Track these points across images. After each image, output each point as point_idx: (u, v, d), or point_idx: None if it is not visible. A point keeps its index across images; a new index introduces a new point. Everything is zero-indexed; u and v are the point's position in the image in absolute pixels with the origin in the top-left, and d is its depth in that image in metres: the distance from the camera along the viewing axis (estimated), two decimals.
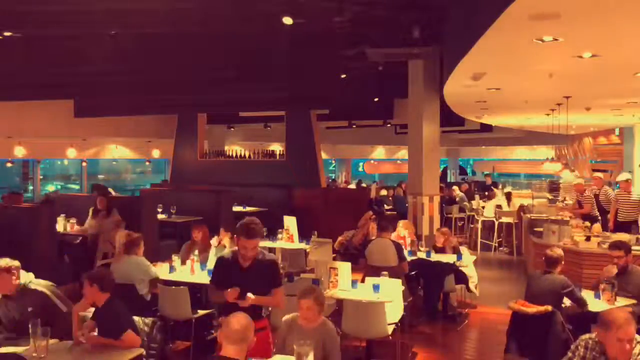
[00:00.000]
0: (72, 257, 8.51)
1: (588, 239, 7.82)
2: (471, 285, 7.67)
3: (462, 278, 7.43)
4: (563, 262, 5.42)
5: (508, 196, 13.16)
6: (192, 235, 7.22)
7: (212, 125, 16.37)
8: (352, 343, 6.11)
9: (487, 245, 12.34)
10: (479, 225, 12.46)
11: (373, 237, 9.57)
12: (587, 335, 3.51)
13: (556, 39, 4.65)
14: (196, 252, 6.79)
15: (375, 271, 6.98)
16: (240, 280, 3.96)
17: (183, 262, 6.89)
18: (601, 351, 3.33)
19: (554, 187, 15.43)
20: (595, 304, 5.32)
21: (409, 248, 7.89)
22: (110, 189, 12.58)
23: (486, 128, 16.94)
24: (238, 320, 3.12)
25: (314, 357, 3.55)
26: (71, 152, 15.38)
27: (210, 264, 6.59)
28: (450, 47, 7.17)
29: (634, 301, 5.47)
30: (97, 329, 4.10)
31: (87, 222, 9.05)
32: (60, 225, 9.12)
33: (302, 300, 4.06)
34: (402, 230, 8.29)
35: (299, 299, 4.09)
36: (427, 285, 7.44)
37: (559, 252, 5.46)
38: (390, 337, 5.48)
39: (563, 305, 5.25)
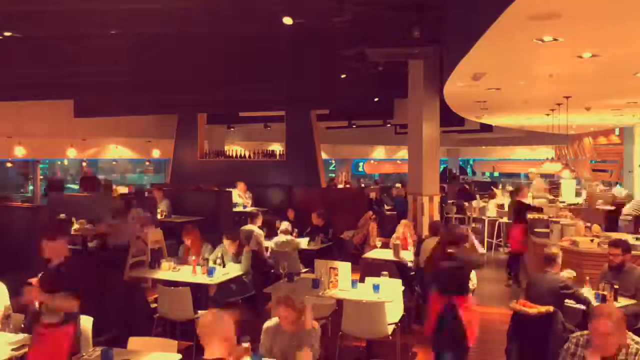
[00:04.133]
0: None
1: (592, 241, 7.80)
2: (470, 288, 7.67)
3: None
4: (560, 260, 5.41)
5: (511, 195, 13.10)
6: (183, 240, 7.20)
7: (212, 125, 16.38)
8: (352, 343, 6.11)
9: (486, 245, 12.35)
10: (476, 225, 12.48)
11: (372, 237, 9.61)
12: (578, 333, 3.57)
13: (556, 39, 4.65)
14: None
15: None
16: None
17: (182, 264, 6.90)
18: (589, 346, 3.40)
19: (553, 187, 15.43)
20: (595, 304, 5.33)
21: (410, 249, 7.89)
22: (118, 187, 12.61)
23: (486, 128, 16.94)
24: (204, 317, 3.14)
25: None
26: (71, 152, 15.38)
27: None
28: (450, 47, 7.17)
29: (633, 301, 5.48)
30: None
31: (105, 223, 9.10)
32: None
33: (277, 310, 4.03)
34: (402, 230, 8.28)
35: (273, 309, 4.09)
36: (428, 296, 7.21)
37: (555, 250, 5.46)
38: (390, 337, 5.48)
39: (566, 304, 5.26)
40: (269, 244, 8.58)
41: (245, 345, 3.64)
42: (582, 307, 5.31)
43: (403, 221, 8.59)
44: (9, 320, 4.45)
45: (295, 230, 9.22)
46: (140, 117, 15.37)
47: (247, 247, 7.00)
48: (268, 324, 4.15)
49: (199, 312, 5.93)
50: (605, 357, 3.29)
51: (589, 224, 8.92)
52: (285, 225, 8.78)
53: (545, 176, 16.29)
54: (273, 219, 9.98)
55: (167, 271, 6.62)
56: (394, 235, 8.31)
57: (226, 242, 6.91)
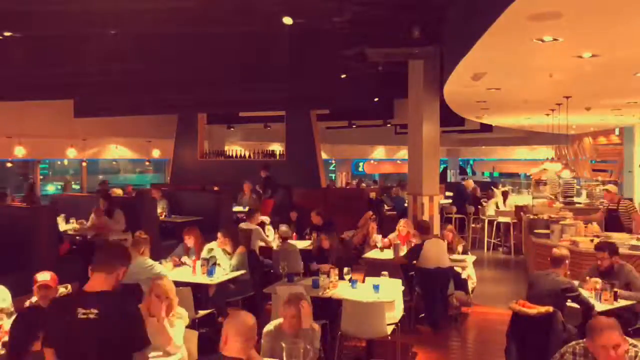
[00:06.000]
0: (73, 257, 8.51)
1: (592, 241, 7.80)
2: (470, 287, 7.69)
3: (461, 284, 7.42)
4: (568, 261, 5.43)
5: (504, 195, 13.15)
6: (184, 240, 7.18)
7: (212, 125, 16.39)
8: (352, 343, 6.11)
9: (486, 245, 12.36)
10: (479, 225, 12.48)
11: (372, 237, 9.59)
12: (574, 342, 3.52)
13: (556, 39, 4.65)
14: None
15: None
16: None
17: (178, 265, 6.90)
18: (592, 358, 3.33)
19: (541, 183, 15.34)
20: (595, 304, 5.34)
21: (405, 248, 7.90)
22: (115, 189, 12.61)
23: (486, 128, 16.93)
24: (234, 316, 3.09)
25: None
26: (71, 152, 15.38)
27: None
28: (450, 47, 7.17)
29: (633, 301, 5.49)
30: None
31: (89, 223, 9.08)
32: (61, 225, 9.17)
33: (291, 309, 4.04)
34: (404, 229, 8.29)
35: (283, 306, 4.08)
36: (428, 296, 7.13)
37: (564, 251, 5.47)
38: (390, 337, 5.48)
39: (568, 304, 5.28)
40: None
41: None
42: (592, 315, 5.32)
43: (402, 220, 8.61)
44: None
45: (294, 233, 9.22)
46: (140, 117, 15.36)
47: (242, 247, 6.98)
48: (268, 327, 4.15)
49: (198, 309, 5.94)
50: None
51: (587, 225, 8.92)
52: (284, 228, 8.80)
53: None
54: (277, 219, 9.99)
55: (169, 271, 6.62)
56: (392, 235, 8.32)
57: (219, 235, 6.92)
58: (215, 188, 12.75)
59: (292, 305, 4.05)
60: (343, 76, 11.68)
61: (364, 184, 19.66)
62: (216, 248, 6.89)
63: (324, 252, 7.20)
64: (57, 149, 15.47)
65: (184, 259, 6.89)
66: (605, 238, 7.65)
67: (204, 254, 6.84)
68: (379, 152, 25.76)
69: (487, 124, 15.90)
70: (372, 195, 13.76)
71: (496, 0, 3.96)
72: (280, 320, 4.17)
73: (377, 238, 8.48)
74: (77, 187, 17.98)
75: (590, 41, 4.90)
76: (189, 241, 7.05)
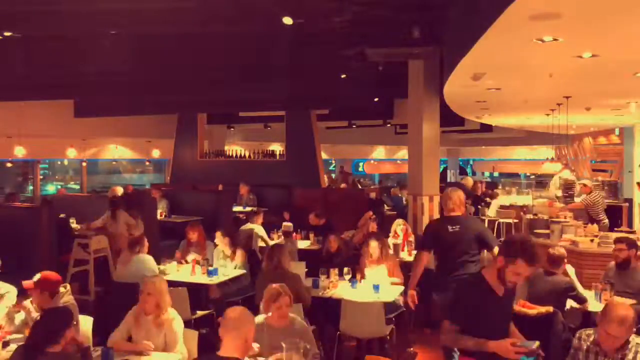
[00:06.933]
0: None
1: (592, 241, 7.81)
2: None
3: None
4: (566, 261, 5.44)
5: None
6: (187, 236, 7.20)
7: (212, 125, 16.39)
8: (352, 343, 6.10)
9: None
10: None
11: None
12: (581, 331, 3.64)
13: (556, 39, 4.65)
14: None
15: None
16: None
17: (179, 262, 6.90)
18: (596, 342, 3.44)
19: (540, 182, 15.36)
20: (595, 304, 5.35)
21: (406, 249, 7.89)
22: (118, 187, 12.61)
23: (486, 128, 16.93)
24: (233, 310, 3.13)
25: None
26: (71, 152, 15.40)
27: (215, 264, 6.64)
28: (450, 47, 7.17)
29: (633, 301, 5.49)
30: None
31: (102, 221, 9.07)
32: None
33: (280, 301, 4.17)
34: (399, 230, 8.26)
35: (273, 301, 4.19)
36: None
37: (561, 251, 5.47)
38: (389, 337, 5.48)
39: (567, 309, 5.28)
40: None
41: (255, 347, 3.71)
42: (584, 308, 5.34)
43: (397, 221, 8.58)
44: (13, 319, 4.46)
45: (299, 230, 9.22)
46: (140, 117, 15.37)
47: (240, 248, 6.98)
48: (258, 320, 4.17)
49: (197, 309, 5.94)
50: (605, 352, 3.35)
51: (584, 222, 8.93)
52: (286, 226, 8.80)
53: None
54: (273, 219, 9.98)
55: (173, 271, 6.63)
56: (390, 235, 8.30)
57: (218, 235, 6.91)
58: (220, 187, 12.76)
59: (282, 297, 4.18)
60: (343, 76, 11.68)
61: (359, 184, 19.66)
62: (220, 251, 6.91)
63: (331, 256, 7.08)
64: (57, 149, 15.47)
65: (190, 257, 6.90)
66: (605, 238, 7.65)
67: (215, 257, 6.86)
68: (379, 152, 25.76)
69: (487, 124, 15.91)
70: (372, 195, 13.75)
71: (496, 0, 3.96)
72: (264, 315, 4.22)
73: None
74: (77, 187, 17.99)
75: (590, 41, 4.90)
76: (193, 236, 7.05)
